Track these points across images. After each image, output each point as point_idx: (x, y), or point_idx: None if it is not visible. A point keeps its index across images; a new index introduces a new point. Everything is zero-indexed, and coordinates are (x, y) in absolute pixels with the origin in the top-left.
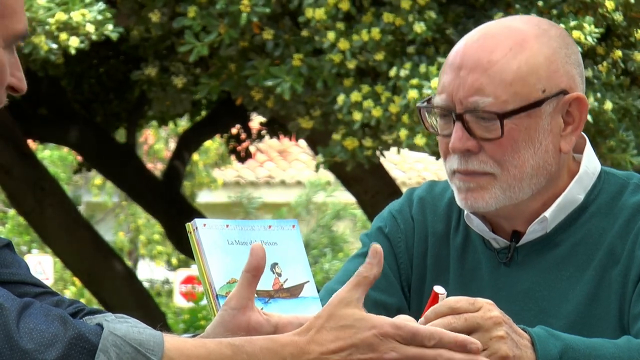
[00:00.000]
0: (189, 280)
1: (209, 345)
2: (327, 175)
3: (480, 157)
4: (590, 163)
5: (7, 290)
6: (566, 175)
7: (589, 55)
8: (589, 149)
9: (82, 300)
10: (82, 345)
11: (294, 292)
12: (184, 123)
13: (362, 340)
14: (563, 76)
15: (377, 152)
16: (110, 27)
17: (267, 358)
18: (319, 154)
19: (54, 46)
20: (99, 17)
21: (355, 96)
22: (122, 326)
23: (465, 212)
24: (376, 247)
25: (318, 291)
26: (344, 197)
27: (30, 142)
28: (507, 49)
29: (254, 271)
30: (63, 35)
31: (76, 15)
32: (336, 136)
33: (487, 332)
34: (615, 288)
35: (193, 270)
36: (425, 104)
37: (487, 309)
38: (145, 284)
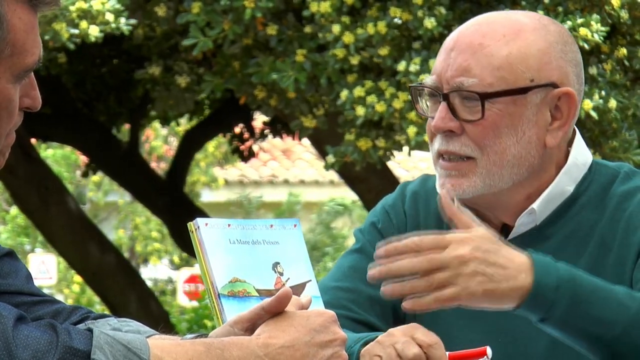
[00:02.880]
0: (192, 279)
1: (184, 344)
2: (330, 174)
3: (462, 140)
4: (580, 155)
5: (1, 302)
6: (553, 168)
7: (594, 53)
8: (578, 140)
9: (84, 299)
10: (75, 349)
11: (296, 291)
12: (184, 121)
13: (319, 325)
14: (555, 70)
15: (388, 153)
16: (122, 20)
17: (237, 349)
18: (330, 154)
19: (76, 31)
20: (117, 6)
21: (358, 91)
22: (108, 329)
23: (456, 205)
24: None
25: None
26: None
27: (34, 142)
28: (500, 35)
29: (272, 310)
30: (83, 24)
31: (97, 4)
32: (349, 137)
33: (454, 270)
34: (609, 278)
35: (196, 269)
36: (418, 85)
37: (454, 247)
38: (149, 283)
